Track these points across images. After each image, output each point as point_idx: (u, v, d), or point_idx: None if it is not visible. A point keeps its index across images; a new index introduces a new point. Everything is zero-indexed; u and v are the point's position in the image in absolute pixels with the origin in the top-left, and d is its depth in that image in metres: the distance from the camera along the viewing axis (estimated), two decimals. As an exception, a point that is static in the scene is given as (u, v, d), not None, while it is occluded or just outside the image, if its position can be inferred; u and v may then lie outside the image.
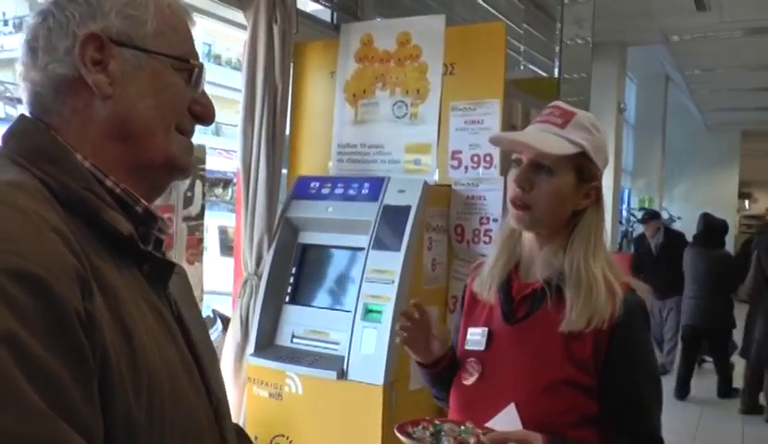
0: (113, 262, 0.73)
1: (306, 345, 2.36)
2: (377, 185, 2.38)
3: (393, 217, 2.29)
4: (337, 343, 2.30)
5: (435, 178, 2.52)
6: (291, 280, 2.47)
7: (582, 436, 1.25)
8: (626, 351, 1.26)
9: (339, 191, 2.45)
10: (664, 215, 11.41)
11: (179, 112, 0.85)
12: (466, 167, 2.49)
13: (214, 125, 0.97)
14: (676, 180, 13.47)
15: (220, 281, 3.87)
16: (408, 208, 2.28)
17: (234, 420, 0.94)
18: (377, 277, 2.23)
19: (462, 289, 2.43)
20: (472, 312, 1.44)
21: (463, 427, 1.23)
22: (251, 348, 2.39)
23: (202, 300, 2.46)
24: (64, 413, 0.60)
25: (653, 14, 7.13)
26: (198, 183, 2.42)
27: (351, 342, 2.22)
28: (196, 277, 2.34)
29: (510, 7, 4.99)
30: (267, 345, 2.41)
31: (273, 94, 2.51)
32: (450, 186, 2.50)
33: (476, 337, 1.38)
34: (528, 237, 1.37)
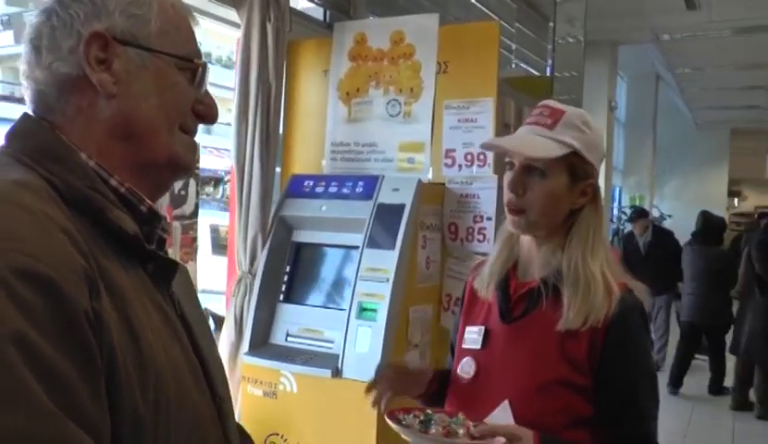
0: (118, 261, 0.73)
1: (301, 344, 2.36)
2: (372, 183, 2.38)
3: (387, 216, 2.30)
4: (331, 342, 2.30)
5: (429, 176, 2.53)
6: (286, 279, 2.47)
7: (575, 437, 1.25)
8: (622, 347, 1.26)
9: (333, 189, 2.45)
10: (655, 213, 11.48)
11: (183, 111, 0.85)
12: (460, 166, 2.50)
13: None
14: (667, 178, 13.55)
15: (212, 280, 3.86)
16: (402, 207, 2.29)
17: (230, 418, 0.93)
18: (372, 276, 2.24)
19: (455, 287, 2.47)
20: (471, 310, 1.44)
21: (453, 419, 1.23)
22: (245, 347, 2.39)
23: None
24: (72, 412, 0.60)
25: (644, 13, 7.16)
26: (192, 182, 2.42)
27: (345, 341, 2.22)
28: (191, 276, 2.34)
29: (502, 6, 5.01)
30: (262, 344, 2.41)
31: (267, 93, 2.50)
32: (443, 184, 2.51)
33: (472, 335, 1.38)
34: (526, 237, 1.37)
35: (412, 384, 1.47)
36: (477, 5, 4.63)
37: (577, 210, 1.32)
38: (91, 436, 0.61)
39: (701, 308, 6.03)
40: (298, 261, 2.49)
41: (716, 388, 6.25)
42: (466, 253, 2.46)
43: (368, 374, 2.15)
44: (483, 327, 1.37)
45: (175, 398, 0.73)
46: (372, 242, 2.28)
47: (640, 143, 11.61)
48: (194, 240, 2.46)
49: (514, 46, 5.03)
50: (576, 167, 1.30)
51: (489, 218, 2.42)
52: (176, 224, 2.34)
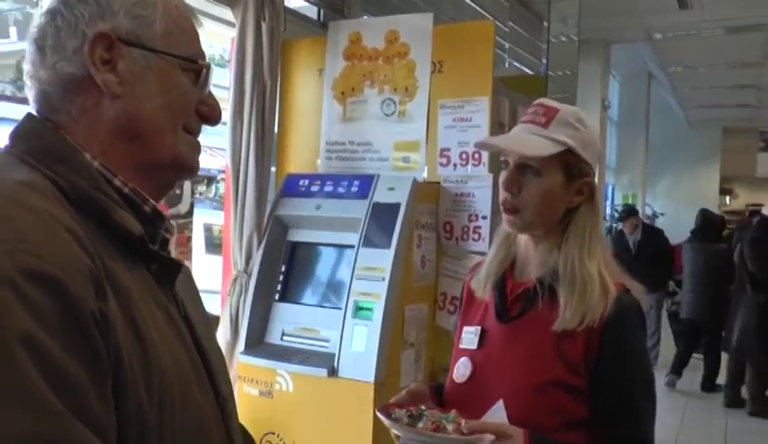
0: (123, 262, 0.73)
1: (297, 343, 2.37)
2: (367, 183, 2.38)
3: (383, 215, 2.30)
4: (327, 341, 2.30)
5: (424, 175, 2.53)
6: (281, 278, 2.47)
7: (570, 438, 1.24)
8: (619, 347, 1.24)
9: (328, 188, 2.45)
10: (647, 212, 11.53)
11: (187, 112, 0.85)
12: (455, 165, 2.50)
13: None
14: (659, 177, 13.60)
15: (206, 279, 3.85)
16: (398, 206, 2.29)
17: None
18: (368, 275, 2.24)
19: (451, 285, 2.48)
20: (468, 310, 1.43)
21: (445, 415, 1.22)
22: (241, 346, 2.39)
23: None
24: (80, 413, 0.60)
25: (637, 12, 7.19)
26: (186, 181, 2.42)
27: (341, 340, 2.22)
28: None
29: (495, 5, 5.01)
30: (257, 343, 2.41)
31: (262, 92, 2.50)
32: (438, 183, 2.51)
33: (469, 335, 1.37)
34: (523, 236, 1.36)
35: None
36: (471, 4, 4.63)
37: (574, 209, 1.31)
38: (97, 436, 0.61)
39: (701, 305, 6.09)
40: (293, 260, 2.49)
41: (709, 385, 6.29)
42: (462, 252, 2.47)
43: (364, 373, 2.17)
44: (479, 328, 1.36)
45: (179, 398, 0.73)
46: (367, 241, 2.28)
47: (633, 142, 11.65)
48: (189, 239, 2.45)
49: (507, 45, 5.04)
50: (572, 165, 1.29)
51: (484, 217, 2.43)
52: (171, 223, 2.33)
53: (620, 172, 11.86)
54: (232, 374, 2.46)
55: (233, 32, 2.54)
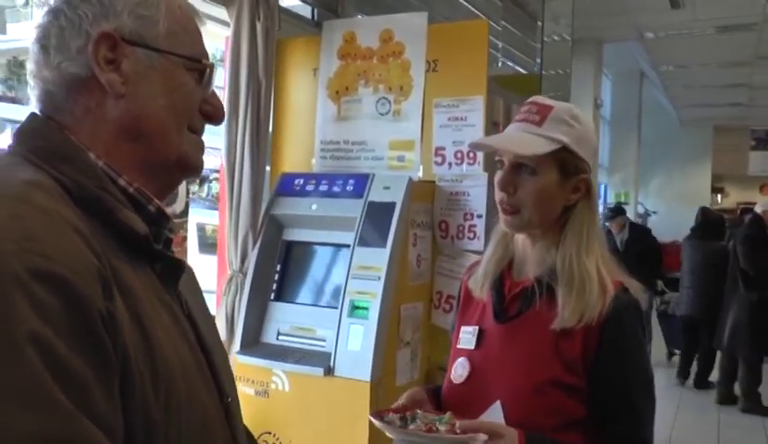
0: (128, 261, 0.73)
1: (292, 342, 2.37)
2: (362, 182, 2.38)
3: (378, 214, 2.30)
4: (323, 340, 2.30)
5: (419, 174, 2.54)
6: (277, 277, 2.47)
7: (567, 439, 1.23)
8: (617, 346, 1.24)
9: (323, 187, 2.45)
10: (640, 210, 11.58)
11: (191, 111, 0.85)
12: (450, 164, 2.51)
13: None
14: (651, 175, 13.65)
15: (200, 279, 3.84)
16: (393, 205, 2.29)
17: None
18: (364, 274, 2.24)
19: (446, 284, 2.48)
20: (466, 310, 1.42)
21: (439, 417, 1.22)
22: (236, 346, 2.38)
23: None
24: (87, 412, 0.60)
25: (629, 11, 7.22)
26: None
27: (337, 339, 2.22)
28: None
29: (488, 5, 5.02)
30: (253, 343, 2.41)
31: (257, 91, 2.50)
32: (434, 182, 2.52)
33: (467, 335, 1.36)
34: (521, 235, 1.35)
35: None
36: (464, 3, 4.64)
37: (571, 206, 1.30)
38: (106, 435, 0.61)
39: (700, 302, 6.13)
40: (289, 259, 2.49)
41: (702, 382, 6.33)
42: (457, 251, 2.48)
43: (361, 372, 2.17)
44: (477, 328, 1.36)
45: (185, 398, 0.73)
46: (363, 240, 2.29)
47: (625, 141, 11.70)
48: (185, 239, 2.45)
49: (500, 45, 5.05)
50: (567, 163, 1.28)
51: (479, 216, 2.44)
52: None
53: (612, 171, 11.90)
54: (228, 374, 2.46)
55: (227, 31, 2.53)
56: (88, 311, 0.63)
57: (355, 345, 2.20)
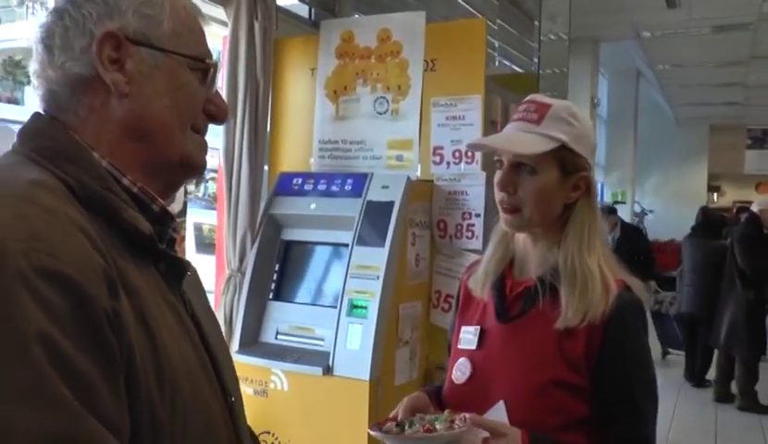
0: (133, 261, 0.73)
1: (291, 342, 2.37)
2: (361, 181, 2.38)
3: (377, 213, 2.30)
4: (322, 339, 2.30)
5: (417, 173, 2.54)
6: (275, 277, 2.47)
7: (570, 439, 1.23)
8: (620, 344, 1.24)
9: (322, 187, 2.45)
10: (636, 209, 11.59)
11: (195, 111, 0.85)
12: (448, 163, 2.51)
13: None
14: (648, 174, 13.67)
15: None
16: (392, 204, 2.29)
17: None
18: (362, 273, 2.24)
19: (445, 283, 2.48)
20: (466, 310, 1.41)
21: (437, 416, 1.22)
22: (235, 345, 2.38)
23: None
24: (94, 411, 0.60)
25: (625, 10, 7.23)
26: (181, 180, 2.41)
27: (336, 338, 2.22)
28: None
29: (485, 4, 5.03)
30: (252, 342, 2.41)
31: (255, 91, 2.50)
32: (432, 181, 2.52)
33: (468, 336, 1.35)
34: (521, 234, 1.35)
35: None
36: (461, 3, 4.64)
37: (572, 204, 1.30)
38: (112, 435, 0.61)
39: (700, 299, 6.16)
40: (287, 259, 2.49)
41: (699, 380, 6.34)
42: (455, 250, 2.48)
43: (360, 371, 2.17)
44: (479, 328, 1.35)
45: (190, 398, 0.73)
46: (361, 240, 2.29)
47: (622, 140, 11.70)
48: (183, 238, 2.45)
49: (497, 44, 5.06)
50: (567, 161, 1.28)
51: (477, 215, 2.44)
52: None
53: (609, 170, 11.91)
54: (227, 373, 2.45)
55: (225, 31, 2.53)
56: (94, 310, 0.63)
57: (354, 344, 2.20)
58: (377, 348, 2.17)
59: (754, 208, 5.71)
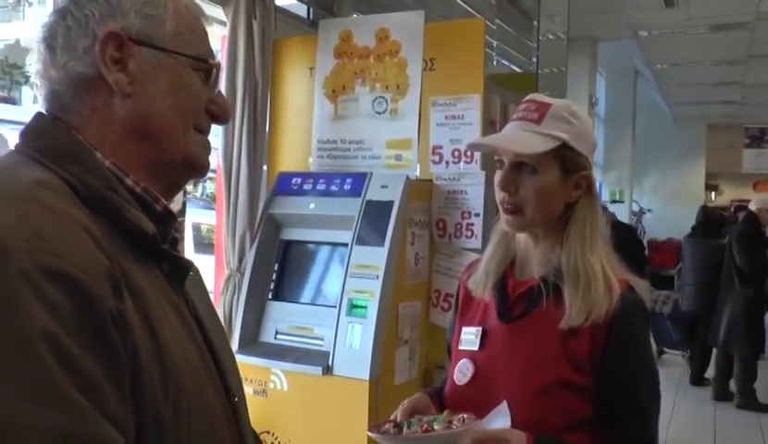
0: (136, 261, 0.73)
1: (291, 341, 2.37)
2: (360, 181, 2.38)
3: (376, 213, 2.30)
4: (321, 339, 2.30)
5: (416, 173, 2.54)
6: (274, 277, 2.47)
7: (574, 439, 1.22)
8: (624, 344, 1.23)
9: (321, 186, 2.45)
10: (635, 208, 11.60)
11: (197, 111, 0.85)
12: (447, 162, 2.51)
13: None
14: (646, 173, 13.67)
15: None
16: (391, 203, 2.29)
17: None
18: (362, 273, 2.24)
19: (444, 283, 2.48)
20: (466, 311, 1.41)
21: (436, 416, 1.22)
22: (234, 345, 2.38)
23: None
24: (100, 410, 0.60)
25: (623, 10, 7.23)
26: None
27: (336, 338, 2.22)
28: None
29: (483, 4, 5.03)
30: (251, 342, 2.41)
31: (253, 91, 2.50)
32: (431, 181, 2.52)
33: (469, 336, 1.35)
34: (522, 234, 1.34)
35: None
36: (460, 2, 4.64)
37: (573, 203, 1.30)
38: (119, 434, 0.61)
39: (701, 298, 6.17)
40: (287, 259, 2.49)
41: (698, 378, 6.35)
42: (455, 250, 2.48)
43: (359, 371, 2.17)
44: (480, 328, 1.34)
45: (193, 398, 0.73)
46: (361, 239, 2.29)
47: (620, 139, 11.70)
48: (182, 238, 2.44)
49: (495, 43, 5.06)
50: (567, 160, 1.27)
51: (476, 214, 2.44)
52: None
53: (607, 169, 11.92)
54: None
55: (224, 31, 2.53)
56: (99, 310, 0.63)
57: (354, 344, 2.20)
58: (376, 347, 2.17)
59: (752, 207, 5.72)
